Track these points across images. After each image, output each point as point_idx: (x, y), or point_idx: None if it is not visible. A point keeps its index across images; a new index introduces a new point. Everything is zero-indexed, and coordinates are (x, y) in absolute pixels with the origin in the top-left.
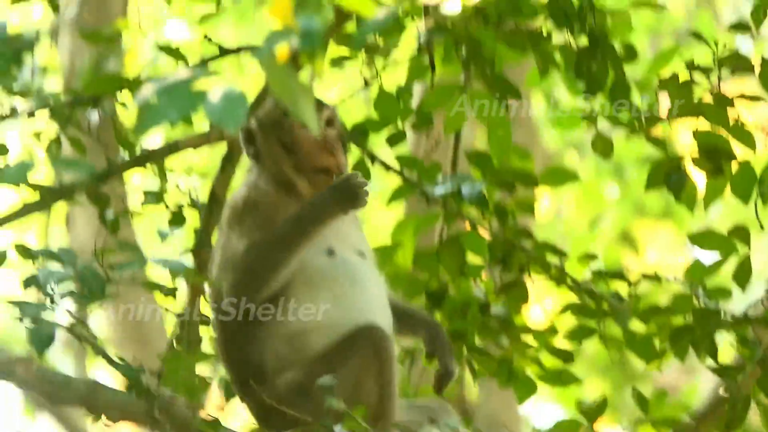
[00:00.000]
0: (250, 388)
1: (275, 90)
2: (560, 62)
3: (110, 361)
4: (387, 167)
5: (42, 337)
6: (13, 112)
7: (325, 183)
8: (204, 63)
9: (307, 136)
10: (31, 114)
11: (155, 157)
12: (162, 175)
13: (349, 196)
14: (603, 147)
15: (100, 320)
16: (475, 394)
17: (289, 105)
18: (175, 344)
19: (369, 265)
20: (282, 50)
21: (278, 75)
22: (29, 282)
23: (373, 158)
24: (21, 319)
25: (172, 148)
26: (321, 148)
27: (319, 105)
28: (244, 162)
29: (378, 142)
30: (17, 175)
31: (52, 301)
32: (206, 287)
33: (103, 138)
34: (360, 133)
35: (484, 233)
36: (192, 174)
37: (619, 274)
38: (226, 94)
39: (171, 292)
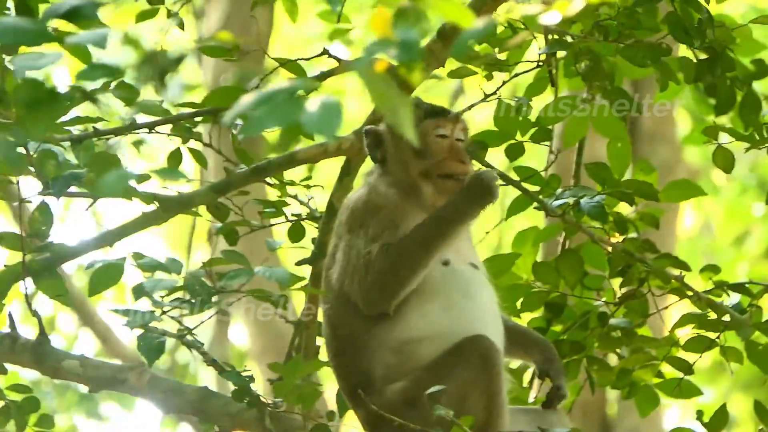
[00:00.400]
0: (359, 396)
1: (375, 100)
2: (680, 77)
3: (220, 369)
4: (506, 179)
5: (152, 346)
6: (132, 126)
7: (452, 189)
8: (322, 76)
9: (439, 143)
10: (151, 127)
11: (273, 170)
12: (281, 186)
13: (483, 191)
14: (723, 160)
15: (239, 333)
16: (615, 408)
17: (389, 115)
18: (293, 353)
19: (481, 278)
20: (381, 62)
21: (377, 85)
22: (137, 291)
23: (476, 148)
24: (131, 328)
25: (290, 160)
26: (452, 156)
27: (456, 117)
28: (362, 174)
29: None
30: (115, 185)
31: (162, 311)
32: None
33: (223, 150)
34: (479, 146)
35: (608, 246)
36: (311, 188)
37: (741, 287)
38: (324, 104)
39: (281, 302)
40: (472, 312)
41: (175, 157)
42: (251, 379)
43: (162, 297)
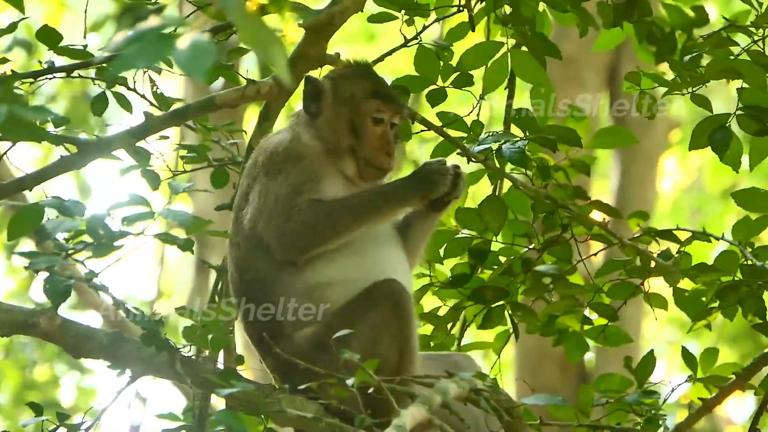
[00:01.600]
0: (267, 343)
1: (245, 39)
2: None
3: (128, 313)
4: (428, 125)
5: (58, 289)
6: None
7: (373, 177)
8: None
9: (373, 127)
10: (70, 71)
11: (192, 114)
12: (203, 131)
13: (426, 182)
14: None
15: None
16: (593, 362)
17: (261, 54)
18: (216, 298)
19: (390, 227)
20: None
21: (248, 23)
22: (39, 233)
23: (414, 116)
24: (36, 272)
25: (209, 104)
26: (383, 148)
27: (400, 108)
28: (284, 117)
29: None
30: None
31: (66, 254)
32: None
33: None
34: (400, 91)
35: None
36: (234, 132)
37: (669, 233)
38: (194, 43)
39: (187, 246)
40: (381, 257)
41: (100, 102)
42: (160, 322)
43: (65, 240)
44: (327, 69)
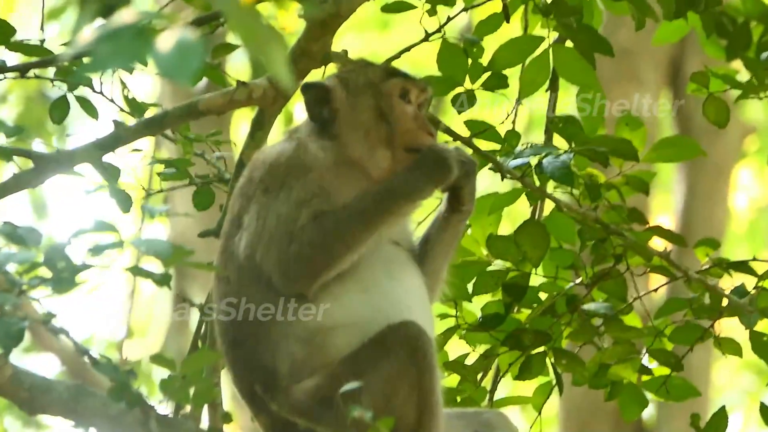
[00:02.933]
0: (260, 397)
1: (239, 34)
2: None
3: (93, 362)
4: (453, 135)
5: (9, 332)
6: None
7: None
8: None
9: (406, 110)
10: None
11: (171, 122)
12: (185, 143)
13: (437, 165)
14: (716, 112)
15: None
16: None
17: (256, 52)
18: (199, 344)
19: (405, 255)
20: None
21: (241, 15)
22: None
23: (437, 124)
24: None
25: (190, 111)
26: (420, 126)
27: (424, 84)
28: (282, 130)
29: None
30: None
31: (20, 290)
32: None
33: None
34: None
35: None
36: (221, 144)
37: (743, 265)
38: (179, 43)
39: (164, 281)
40: (396, 294)
41: (60, 107)
42: (131, 372)
43: (18, 273)
44: (330, 70)
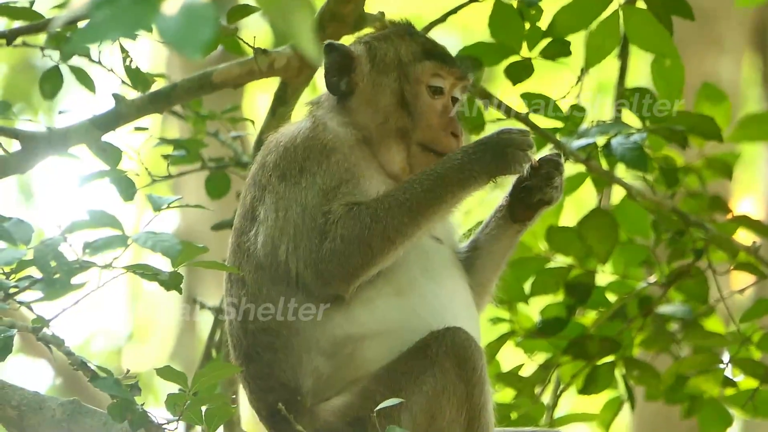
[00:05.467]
0: (281, 417)
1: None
2: None
3: (91, 375)
4: (507, 111)
5: None
6: None
7: (428, 165)
8: None
9: (432, 104)
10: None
11: (180, 97)
12: (197, 121)
13: (509, 154)
14: None
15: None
16: None
17: (278, 15)
18: (213, 352)
19: (447, 253)
20: None
21: None
22: None
23: (488, 98)
24: None
25: (203, 83)
26: (446, 126)
27: (465, 71)
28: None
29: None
30: None
31: (6, 294)
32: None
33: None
34: (470, 64)
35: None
36: (238, 122)
37: None
38: (188, 6)
39: (173, 283)
40: (438, 298)
41: (52, 79)
42: (135, 387)
43: (5, 274)
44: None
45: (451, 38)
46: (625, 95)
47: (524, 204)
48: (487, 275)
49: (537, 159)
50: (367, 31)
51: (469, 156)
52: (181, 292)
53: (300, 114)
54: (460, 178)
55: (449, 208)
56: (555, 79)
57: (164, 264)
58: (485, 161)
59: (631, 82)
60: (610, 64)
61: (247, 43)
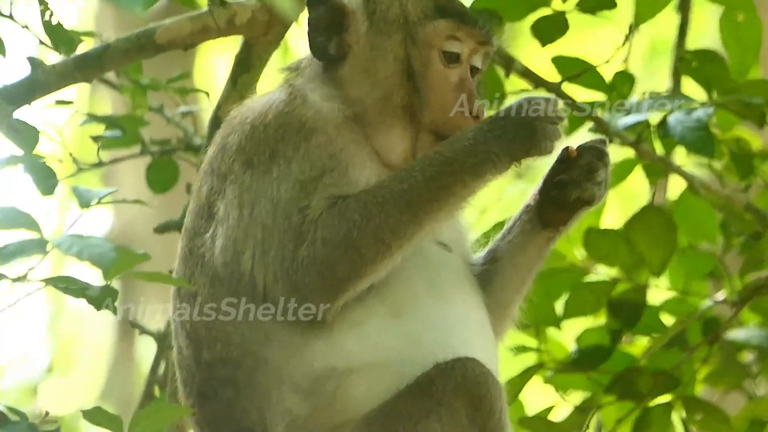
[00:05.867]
0: None
1: None
2: None
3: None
4: (534, 79)
5: None
6: None
7: None
8: None
9: (446, 74)
10: None
11: (115, 60)
12: (136, 91)
13: (532, 132)
14: None
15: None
16: None
17: None
18: (155, 388)
19: (458, 263)
20: None
21: None
22: None
23: (510, 62)
24: None
25: (144, 44)
26: (464, 104)
27: (488, 31)
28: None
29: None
30: None
31: None
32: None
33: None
34: (489, 19)
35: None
36: (189, 93)
37: None
38: None
39: (102, 297)
40: (446, 321)
41: None
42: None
43: None
44: None
45: None
46: (686, 59)
47: (558, 204)
48: (509, 294)
49: (575, 147)
50: None
51: (483, 134)
52: (115, 312)
53: (271, 84)
54: (473, 163)
55: (459, 203)
56: (596, 39)
57: (94, 276)
58: (505, 139)
59: (693, 42)
60: (667, 19)
61: None
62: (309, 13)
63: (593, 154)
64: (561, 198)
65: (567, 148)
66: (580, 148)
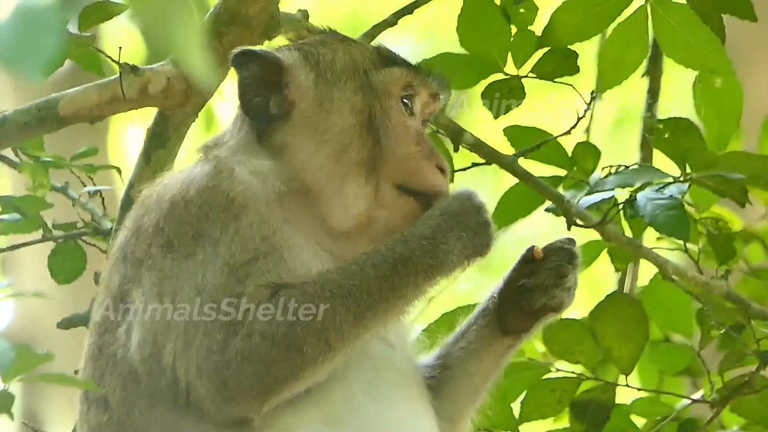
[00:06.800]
0: None
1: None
2: None
3: None
4: (487, 153)
5: None
6: None
7: (411, 214)
8: None
9: (407, 123)
10: None
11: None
12: (36, 170)
13: (487, 233)
14: None
15: None
16: None
17: (151, 19)
18: None
19: (402, 363)
20: None
21: None
22: None
23: (459, 135)
24: None
25: (45, 116)
26: (427, 155)
27: (439, 87)
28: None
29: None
30: None
31: None
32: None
33: None
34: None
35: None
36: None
37: None
38: (22, 10)
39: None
40: (387, 427)
41: None
42: None
43: None
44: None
45: (402, 47)
46: (657, 129)
47: (521, 310)
48: (461, 406)
49: (542, 247)
50: (282, 40)
51: (443, 233)
52: (13, 419)
53: (189, 160)
54: (430, 264)
55: (407, 305)
56: (555, 107)
57: None
58: (467, 240)
59: (664, 110)
60: (635, 84)
61: (109, 57)
62: (239, 73)
63: (562, 256)
64: (525, 304)
65: (533, 247)
66: (548, 249)
